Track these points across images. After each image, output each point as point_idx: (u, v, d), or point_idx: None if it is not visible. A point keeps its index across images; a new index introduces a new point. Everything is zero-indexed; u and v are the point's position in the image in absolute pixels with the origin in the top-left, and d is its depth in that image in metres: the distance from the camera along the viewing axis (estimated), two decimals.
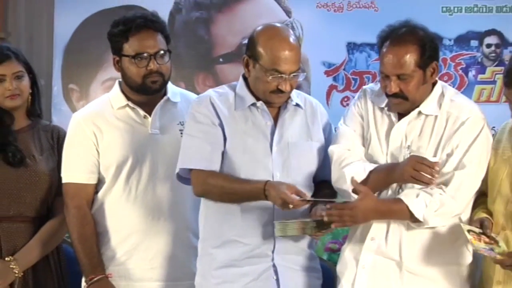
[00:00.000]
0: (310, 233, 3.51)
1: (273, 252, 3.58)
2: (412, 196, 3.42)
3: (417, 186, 3.44)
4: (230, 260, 3.59)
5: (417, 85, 3.49)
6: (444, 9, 5.26)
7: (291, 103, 3.63)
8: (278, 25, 3.74)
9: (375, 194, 3.52)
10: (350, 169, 3.50)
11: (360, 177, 3.49)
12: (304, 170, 3.64)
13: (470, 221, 3.52)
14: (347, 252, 3.62)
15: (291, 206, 3.38)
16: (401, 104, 3.48)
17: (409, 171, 3.38)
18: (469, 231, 3.40)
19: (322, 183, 3.65)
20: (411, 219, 3.43)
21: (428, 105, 3.54)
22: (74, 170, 3.81)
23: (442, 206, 3.42)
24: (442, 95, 3.57)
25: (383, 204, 3.49)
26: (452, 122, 3.51)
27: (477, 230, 3.39)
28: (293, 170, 3.61)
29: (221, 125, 3.61)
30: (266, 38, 3.55)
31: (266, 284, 3.58)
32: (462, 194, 3.47)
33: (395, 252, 3.52)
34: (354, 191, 3.46)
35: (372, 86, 3.75)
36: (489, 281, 3.53)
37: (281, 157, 3.61)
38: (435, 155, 3.48)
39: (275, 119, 3.64)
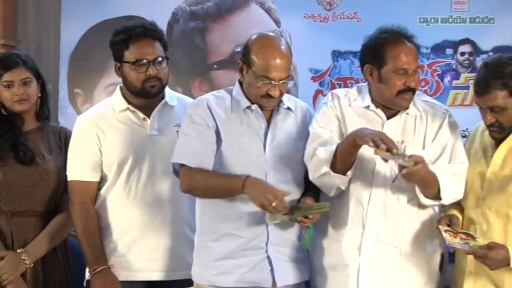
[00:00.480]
0: (297, 218, 3.51)
1: (266, 244, 3.61)
2: (441, 173, 3.48)
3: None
4: (227, 252, 3.62)
5: None
6: (422, 19, 5.23)
7: (283, 107, 3.67)
8: (272, 34, 3.80)
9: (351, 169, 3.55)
10: (322, 150, 3.53)
11: (331, 149, 3.50)
12: (294, 168, 3.66)
13: (441, 217, 3.60)
14: (346, 244, 3.61)
15: (271, 205, 3.40)
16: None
17: (370, 136, 3.37)
18: (446, 231, 3.44)
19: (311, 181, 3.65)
20: (433, 195, 3.50)
21: (410, 107, 3.62)
22: (79, 168, 3.84)
23: (457, 191, 3.53)
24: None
25: (430, 174, 3.47)
26: (431, 120, 3.61)
27: (454, 230, 3.44)
28: (285, 168, 3.64)
29: (216, 127, 3.63)
30: (259, 46, 3.58)
31: (261, 274, 3.61)
32: (460, 180, 3.55)
33: (394, 239, 3.58)
34: (334, 169, 3.48)
35: (340, 91, 3.80)
36: (462, 272, 3.59)
37: (274, 156, 3.63)
38: (423, 148, 3.58)
39: (268, 121, 3.66)
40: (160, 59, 3.78)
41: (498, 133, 3.50)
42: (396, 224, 3.56)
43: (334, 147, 3.52)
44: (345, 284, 3.58)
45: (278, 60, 3.54)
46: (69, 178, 3.85)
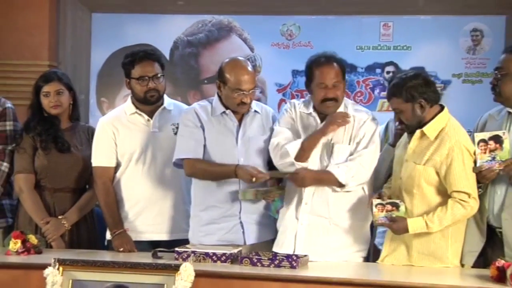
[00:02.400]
0: (260, 198, 3.59)
1: (240, 212, 3.65)
2: (335, 167, 3.49)
3: (339, 159, 3.53)
4: (211, 219, 3.66)
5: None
6: (358, 47, 5.24)
7: (251, 110, 3.68)
8: (239, 57, 3.75)
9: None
10: (289, 145, 3.54)
11: (297, 146, 3.52)
12: (260, 155, 3.67)
13: (372, 194, 3.55)
14: (288, 214, 3.61)
15: (254, 179, 3.47)
16: None
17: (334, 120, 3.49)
18: (377, 204, 3.39)
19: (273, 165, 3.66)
20: (337, 184, 3.49)
21: None
22: (100, 157, 3.83)
23: (357, 173, 3.49)
24: (345, 106, 3.61)
25: (318, 174, 3.53)
26: (357, 122, 3.58)
27: (384, 201, 3.38)
28: (252, 156, 3.65)
29: (202, 127, 3.66)
30: (230, 67, 3.61)
31: (236, 235, 3.63)
32: (368, 164, 3.53)
33: (325, 212, 3.56)
34: (297, 159, 3.51)
35: (296, 101, 3.79)
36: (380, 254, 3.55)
37: (243, 148, 3.65)
38: (349, 144, 3.56)
39: (240, 122, 3.67)
40: (158, 75, 3.77)
41: (407, 129, 3.47)
42: (325, 201, 3.55)
43: (299, 142, 3.54)
44: (286, 244, 3.57)
45: (246, 76, 3.57)
46: (93, 165, 3.83)
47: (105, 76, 5.51)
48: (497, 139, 3.31)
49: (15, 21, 5.30)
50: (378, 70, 5.24)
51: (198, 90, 4.91)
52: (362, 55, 5.27)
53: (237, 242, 3.61)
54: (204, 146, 3.66)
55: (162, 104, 3.87)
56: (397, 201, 3.38)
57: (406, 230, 3.34)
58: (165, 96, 3.91)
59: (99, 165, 3.83)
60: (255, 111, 3.72)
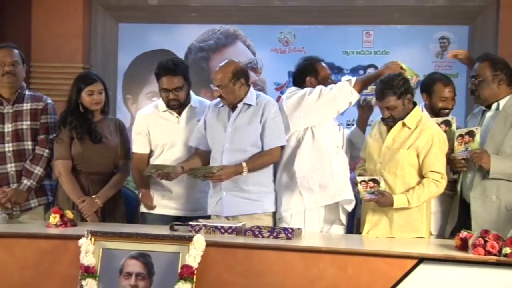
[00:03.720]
0: (201, 179, 3.57)
1: (221, 190, 3.56)
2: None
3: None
4: (210, 196, 3.66)
5: None
6: (344, 52, 5.24)
7: (243, 103, 3.58)
8: (225, 61, 3.66)
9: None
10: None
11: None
12: (242, 141, 3.57)
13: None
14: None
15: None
16: None
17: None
18: (361, 181, 3.35)
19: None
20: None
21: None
22: (138, 145, 3.87)
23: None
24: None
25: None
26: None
27: (366, 178, 3.36)
28: (236, 141, 3.56)
29: (205, 118, 3.69)
30: None
31: (219, 208, 3.58)
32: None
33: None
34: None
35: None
36: (366, 209, 3.50)
37: (230, 134, 3.57)
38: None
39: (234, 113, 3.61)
40: (177, 88, 3.74)
41: (392, 123, 3.45)
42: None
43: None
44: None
45: (214, 74, 3.61)
46: (133, 151, 3.86)
47: (130, 76, 5.53)
48: (471, 134, 3.40)
49: (54, 30, 5.34)
50: (361, 72, 5.22)
51: (208, 89, 4.82)
52: (347, 58, 5.28)
53: (220, 214, 3.59)
54: (206, 132, 3.68)
55: (189, 102, 3.86)
56: (377, 177, 3.36)
57: (391, 204, 3.33)
58: (192, 95, 3.89)
59: (137, 151, 3.88)
60: (247, 104, 3.60)
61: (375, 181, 3.35)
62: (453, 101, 3.76)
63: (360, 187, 3.36)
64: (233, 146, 3.56)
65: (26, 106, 3.84)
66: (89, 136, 3.80)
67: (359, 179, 3.37)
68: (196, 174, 3.53)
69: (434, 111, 3.74)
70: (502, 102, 3.47)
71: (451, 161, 3.49)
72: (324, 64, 3.82)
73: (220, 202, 3.58)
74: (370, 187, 3.35)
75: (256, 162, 3.54)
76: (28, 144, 3.82)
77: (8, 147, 3.79)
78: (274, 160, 3.60)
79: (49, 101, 3.95)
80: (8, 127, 3.78)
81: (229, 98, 3.57)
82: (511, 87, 3.49)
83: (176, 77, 3.75)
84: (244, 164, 3.50)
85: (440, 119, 3.56)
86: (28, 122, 3.82)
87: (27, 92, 3.90)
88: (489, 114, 3.52)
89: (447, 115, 3.71)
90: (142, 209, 3.88)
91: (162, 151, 3.83)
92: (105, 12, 5.50)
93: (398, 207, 3.34)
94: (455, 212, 3.55)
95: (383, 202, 3.34)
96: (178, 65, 3.79)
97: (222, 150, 3.58)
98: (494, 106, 3.49)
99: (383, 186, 3.34)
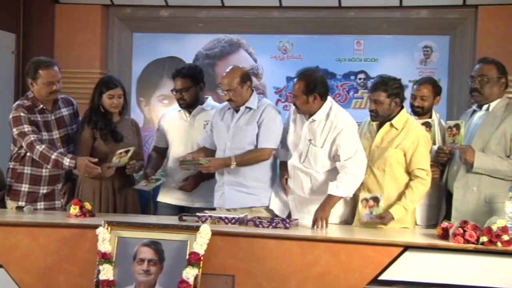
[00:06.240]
0: (193, 169, 3.57)
1: (223, 184, 3.56)
2: (334, 189, 3.29)
3: (314, 159, 3.37)
4: (215, 190, 3.63)
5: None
6: (337, 59, 5.24)
7: (245, 107, 3.55)
8: (230, 67, 3.62)
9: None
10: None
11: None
12: (241, 140, 3.53)
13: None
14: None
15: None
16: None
17: None
18: (362, 200, 3.25)
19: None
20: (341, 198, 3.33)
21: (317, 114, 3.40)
22: (156, 138, 3.96)
23: (352, 183, 3.30)
24: (330, 109, 3.40)
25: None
26: (333, 129, 3.36)
27: (368, 196, 3.25)
28: (237, 141, 3.53)
29: (212, 120, 3.69)
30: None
31: (222, 201, 3.56)
32: (358, 172, 3.31)
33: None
34: None
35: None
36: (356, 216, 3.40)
37: (232, 134, 3.55)
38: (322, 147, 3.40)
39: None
40: (184, 89, 3.76)
41: (374, 117, 3.41)
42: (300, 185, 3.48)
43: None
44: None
45: (222, 79, 3.57)
46: (153, 144, 3.98)
47: (143, 81, 5.53)
48: (457, 127, 3.39)
49: (75, 39, 5.38)
50: (352, 77, 5.24)
51: (214, 92, 4.84)
52: (340, 65, 5.28)
53: (223, 206, 3.56)
54: (212, 132, 3.68)
55: (199, 104, 3.85)
56: (378, 195, 3.25)
57: (392, 218, 3.27)
58: (209, 100, 3.90)
59: (155, 145, 4.00)
60: (249, 107, 3.56)
61: (375, 200, 3.24)
62: (426, 102, 3.69)
63: (360, 206, 3.28)
64: (234, 145, 3.54)
65: (64, 111, 3.82)
66: (111, 136, 3.77)
67: (362, 196, 3.28)
68: (187, 165, 3.52)
69: (413, 110, 3.73)
70: (492, 104, 3.44)
71: (436, 152, 3.49)
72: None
73: (223, 196, 3.57)
74: (370, 207, 3.24)
75: (245, 157, 3.50)
76: (72, 146, 3.82)
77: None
78: (263, 159, 3.52)
79: (75, 102, 3.94)
80: (56, 134, 3.74)
81: (238, 100, 3.53)
82: (503, 92, 3.47)
83: (184, 79, 3.77)
84: (233, 157, 3.48)
85: (453, 122, 3.46)
86: (73, 127, 3.83)
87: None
88: (478, 114, 3.50)
89: (423, 114, 3.70)
90: (158, 198, 3.89)
91: (175, 144, 3.86)
92: (121, 23, 5.51)
93: (399, 217, 3.28)
94: (444, 205, 3.56)
95: (387, 222, 3.26)
96: (188, 69, 3.82)
97: (224, 148, 3.56)
98: (484, 107, 3.46)
99: (381, 207, 3.23)
